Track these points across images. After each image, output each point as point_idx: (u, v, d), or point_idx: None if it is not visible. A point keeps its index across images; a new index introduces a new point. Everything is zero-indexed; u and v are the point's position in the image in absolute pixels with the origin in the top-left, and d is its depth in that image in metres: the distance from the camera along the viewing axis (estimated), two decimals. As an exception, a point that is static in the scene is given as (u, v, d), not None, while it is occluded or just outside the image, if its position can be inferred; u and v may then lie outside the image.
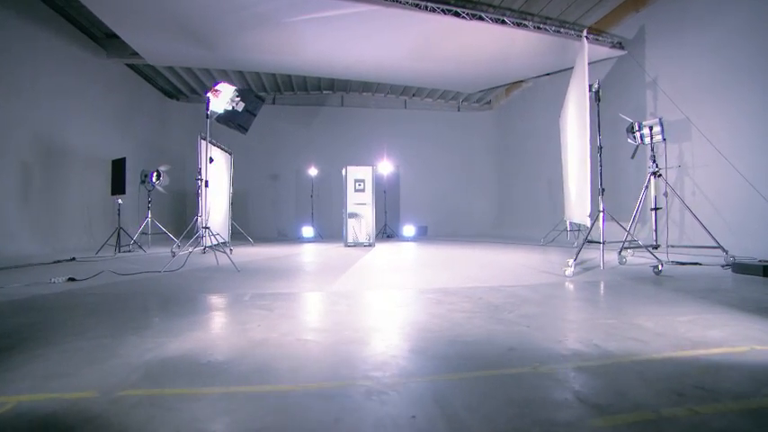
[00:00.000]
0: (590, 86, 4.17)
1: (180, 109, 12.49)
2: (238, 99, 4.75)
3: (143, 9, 5.65)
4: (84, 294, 3.19)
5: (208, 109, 4.72)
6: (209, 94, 4.80)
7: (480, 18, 5.85)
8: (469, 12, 5.78)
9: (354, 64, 7.45)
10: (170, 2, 5.35)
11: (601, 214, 4.17)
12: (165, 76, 11.06)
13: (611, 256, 5.05)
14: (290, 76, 12.00)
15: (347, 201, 8.27)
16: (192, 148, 7.60)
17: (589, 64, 8.27)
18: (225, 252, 4.79)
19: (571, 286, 3.44)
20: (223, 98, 4.76)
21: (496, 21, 5.93)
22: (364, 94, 13.70)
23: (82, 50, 8.17)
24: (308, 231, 10.30)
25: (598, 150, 4.21)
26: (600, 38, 7.18)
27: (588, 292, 3.22)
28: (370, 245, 8.30)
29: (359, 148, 12.87)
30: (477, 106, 14.32)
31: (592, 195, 4.22)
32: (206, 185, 4.65)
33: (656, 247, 5.11)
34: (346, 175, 8.32)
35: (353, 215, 8.27)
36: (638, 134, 5.09)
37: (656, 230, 5.13)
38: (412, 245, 8.93)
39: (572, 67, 8.47)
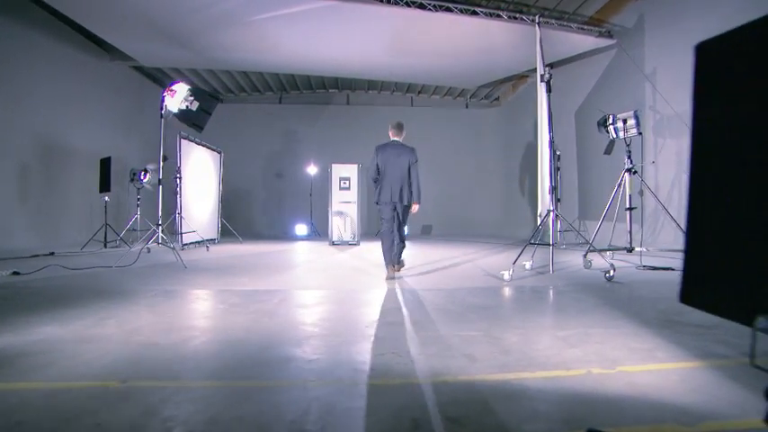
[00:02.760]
0: (541, 76, 3.87)
1: (189, 109, 12.87)
2: (192, 98, 4.79)
3: (117, 12, 5.81)
4: (1, 288, 3.28)
5: (162, 108, 4.77)
6: (165, 94, 4.87)
7: (448, 9, 5.58)
8: (435, 3, 5.51)
9: (337, 61, 7.36)
10: (137, 4, 5.46)
11: (551, 213, 3.87)
12: (173, 78, 11.42)
13: (579, 260, 4.70)
14: (293, 76, 12.08)
15: (332, 199, 8.22)
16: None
17: (580, 55, 7.83)
18: (174, 249, 4.84)
19: (494, 292, 3.20)
20: (178, 97, 4.81)
21: (466, 12, 5.62)
22: (370, 92, 13.59)
23: (84, 54, 8.56)
24: (301, 229, 10.33)
25: (549, 145, 3.90)
26: (585, 27, 6.69)
27: (502, 299, 2.98)
28: (355, 243, 8.20)
29: (366, 146, 12.70)
30: (486, 103, 13.86)
31: (545, 193, 3.93)
32: (159, 183, 4.71)
33: (630, 251, 4.69)
34: (331, 173, 8.27)
35: (338, 213, 8.20)
36: (611, 128, 4.68)
37: (630, 232, 4.70)
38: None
39: (567, 58, 8.04)
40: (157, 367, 1.63)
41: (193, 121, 4.81)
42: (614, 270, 3.61)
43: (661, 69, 6.47)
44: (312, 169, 11.79)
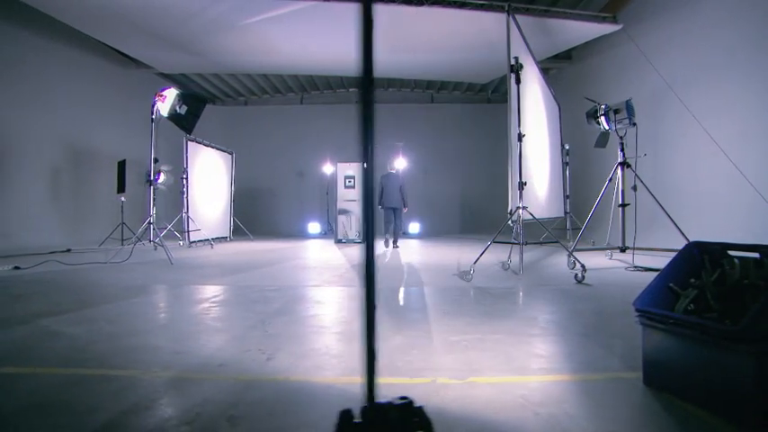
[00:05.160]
0: (511, 66, 3.67)
1: (215, 112, 13.42)
2: (180, 103, 4.99)
3: (126, 24, 6.18)
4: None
5: (153, 113, 5.02)
6: (156, 99, 5.11)
7: (436, 3, 5.39)
8: (421, -3, 5.35)
9: (337, 60, 7.40)
10: (129, 12, 5.73)
11: (520, 211, 3.66)
12: (197, 83, 11.99)
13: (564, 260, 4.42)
14: (312, 77, 12.29)
15: (337, 197, 8.28)
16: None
17: (597, 47, 7.33)
18: (163, 246, 5.08)
19: (440, 293, 3.08)
20: (168, 102, 5.04)
21: (453, 4, 5.39)
22: (390, 89, 13.54)
23: (112, 64, 9.19)
24: (314, 228, 10.50)
25: (519, 139, 3.69)
26: (583, 12, 6.22)
27: (439, 300, 2.85)
28: (360, 242, 8.21)
29: (387, 143, 12.70)
30: (509, 96, 13.37)
31: (514, 190, 3.73)
32: (150, 184, 4.97)
33: (623, 250, 4.35)
34: (337, 172, 8.33)
35: (343, 212, 8.25)
36: (602, 119, 4.36)
37: (623, 230, 4.35)
38: (408, 242, 8.65)
39: (570, 49, 7.55)
40: (43, 356, 1.71)
41: (183, 124, 5.01)
42: (584, 271, 3.35)
43: (672, 59, 5.91)
44: (328, 168, 11.93)
